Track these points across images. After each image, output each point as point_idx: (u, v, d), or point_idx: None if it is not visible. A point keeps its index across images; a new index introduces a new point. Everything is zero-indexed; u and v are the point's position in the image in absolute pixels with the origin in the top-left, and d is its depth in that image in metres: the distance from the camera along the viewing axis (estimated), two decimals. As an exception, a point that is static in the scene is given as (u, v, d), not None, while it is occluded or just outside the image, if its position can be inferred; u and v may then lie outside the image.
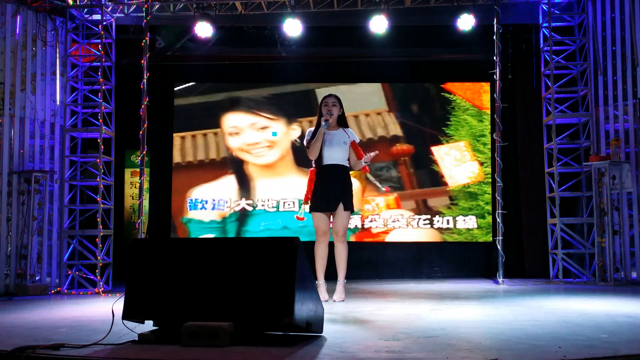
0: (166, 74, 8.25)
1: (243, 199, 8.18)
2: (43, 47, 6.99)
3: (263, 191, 8.18)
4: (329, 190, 4.74)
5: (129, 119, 7.42)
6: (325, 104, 4.84)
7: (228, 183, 8.23)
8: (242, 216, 8.16)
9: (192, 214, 8.21)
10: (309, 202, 4.79)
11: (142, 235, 7.07)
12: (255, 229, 8.14)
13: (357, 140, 4.90)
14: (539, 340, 2.71)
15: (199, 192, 8.23)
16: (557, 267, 6.83)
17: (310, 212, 4.83)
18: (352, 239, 8.01)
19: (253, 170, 8.24)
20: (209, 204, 8.18)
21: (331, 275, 4.86)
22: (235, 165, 8.25)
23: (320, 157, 4.78)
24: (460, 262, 8.12)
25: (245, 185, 8.21)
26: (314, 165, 4.85)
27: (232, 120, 8.34)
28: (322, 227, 4.74)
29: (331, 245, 4.84)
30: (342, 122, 4.94)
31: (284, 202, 8.14)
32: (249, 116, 8.32)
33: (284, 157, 8.23)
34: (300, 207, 4.84)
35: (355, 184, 7.64)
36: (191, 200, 8.20)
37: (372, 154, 4.66)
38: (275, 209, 8.14)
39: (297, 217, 4.94)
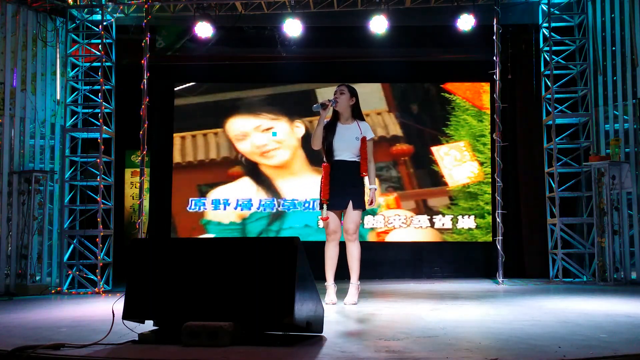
0: (166, 74, 8.25)
1: (250, 199, 8.18)
2: (43, 47, 7.00)
3: (276, 190, 8.19)
4: (339, 187, 4.53)
5: (129, 119, 7.42)
6: (335, 92, 4.67)
7: (230, 183, 8.24)
8: (258, 217, 8.17)
9: (211, 215, 8.21)
10: (320, 199, 4.57)
11: (142, 235, 7.07)
12: (274, 228, 8.16)
13: (370, 137, 4.60)
14: (539, 340, 2.71)
15: (203, 193, 8.24)
16: (557, 267, 6.83)
17: (319, 210, 4.67)
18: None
19: (257, 171, 8.25)
20: (223, 204, 8.18)
21: (341, 275, 4.68)
22: (241, 166, 8.25)
23: (330, 151, 4.57)
24: (460, 262, 8.12)
25: (252, 185, 8.22)
26: (325, 160, 4.63)
27: (235, 123, 8.32)
28: (331, 226, 4.54)
29: (342, 245, 4.63)
30: (356, 114, 4.69)
31: (296, 201, 8.14)
32: (251, 118, 8.32)
33: (289, 157, 8.24)
34: (322, 207, 4.60)
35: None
36: (212, 200, 8.21)
37: (372, 203, 4.59)
38: (299, 208, 8.15)
39: (321, 217, 4.64)
